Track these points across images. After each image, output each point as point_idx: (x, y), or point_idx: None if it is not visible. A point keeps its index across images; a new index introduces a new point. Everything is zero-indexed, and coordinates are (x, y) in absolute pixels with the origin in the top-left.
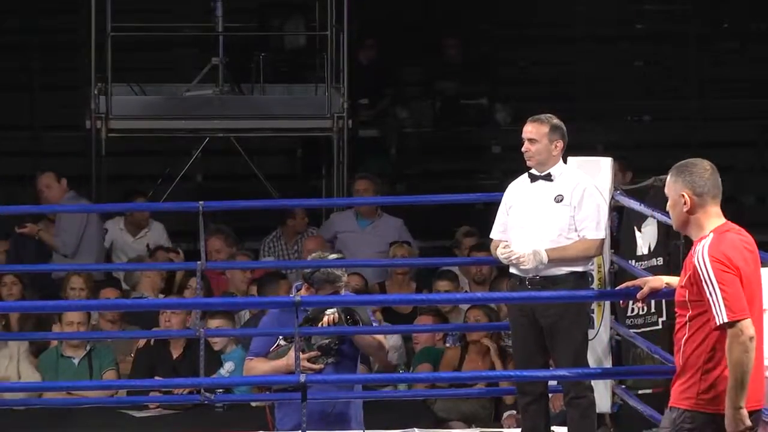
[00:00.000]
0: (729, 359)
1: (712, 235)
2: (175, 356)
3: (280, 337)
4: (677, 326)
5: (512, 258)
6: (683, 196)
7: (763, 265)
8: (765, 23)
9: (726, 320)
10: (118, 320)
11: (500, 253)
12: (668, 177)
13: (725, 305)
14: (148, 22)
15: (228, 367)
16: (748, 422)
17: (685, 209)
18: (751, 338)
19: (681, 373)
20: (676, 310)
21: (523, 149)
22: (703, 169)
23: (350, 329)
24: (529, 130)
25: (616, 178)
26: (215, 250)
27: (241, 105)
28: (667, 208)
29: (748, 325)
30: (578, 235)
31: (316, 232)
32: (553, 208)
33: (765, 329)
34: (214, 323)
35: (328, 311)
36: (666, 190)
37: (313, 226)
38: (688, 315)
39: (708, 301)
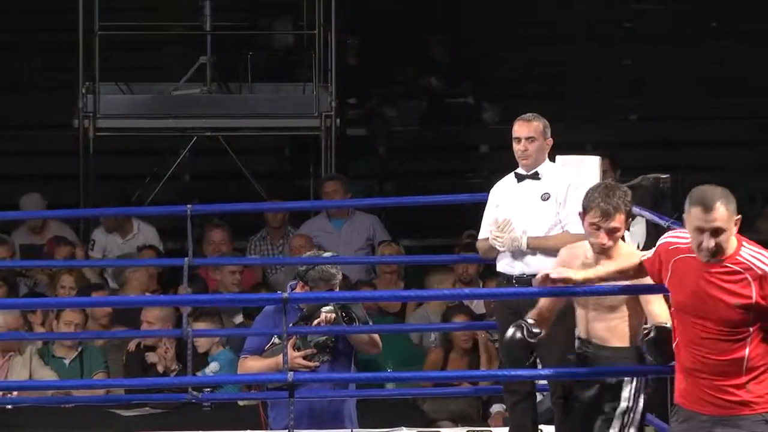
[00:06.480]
0: None
1: (743, 242)
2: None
3: (275, 335)
4: (727, 344)
5: (505, 226)
6: (738, 219)
7: None
8: (755, 22)
9: None
10: (107, 324)
11: (492, 225)
12: (720, 205)
13: None
14: (135, 21)
15: (212, 367)
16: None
17: (735, 232)
18: None
19: (745, 375)
20: (723, 328)
21: (520, 149)
22: None
23: (340, 329)
24: (526, 129)
25: (607, 175)
26: (218, 241)
27: (229, 104)
28: (720, 236)
29: None
30: (562, 230)
31: (294, 231)
32: (540, 206)
33: None
34: (200, 325)
35: (325, 309)
36: (723, 222)
37: (290, 225)
38: (750, 331)
39: None
